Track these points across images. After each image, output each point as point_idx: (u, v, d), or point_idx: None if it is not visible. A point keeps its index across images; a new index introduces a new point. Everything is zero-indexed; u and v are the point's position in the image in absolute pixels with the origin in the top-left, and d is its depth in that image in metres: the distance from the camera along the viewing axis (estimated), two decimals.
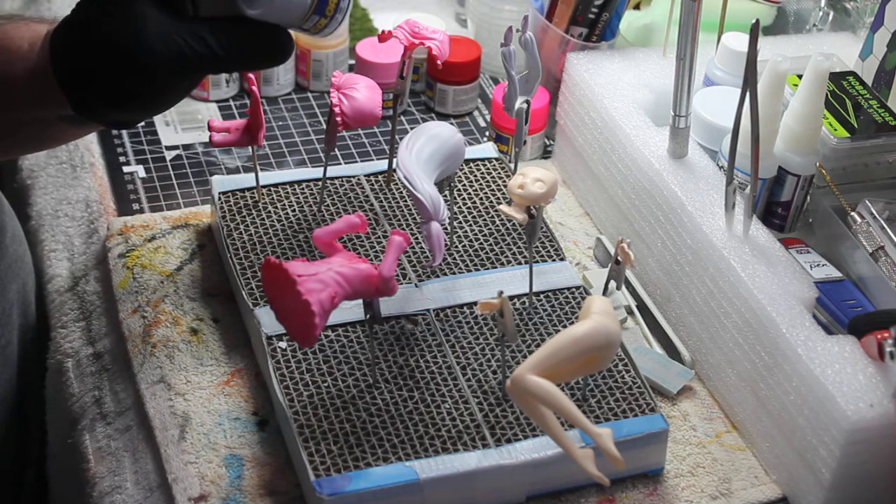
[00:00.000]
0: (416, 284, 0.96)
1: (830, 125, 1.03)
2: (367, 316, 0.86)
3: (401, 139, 0.92)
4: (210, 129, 0.99)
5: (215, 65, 0.84)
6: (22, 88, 0.85)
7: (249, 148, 1.05)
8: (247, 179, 1.04)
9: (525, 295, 0.95)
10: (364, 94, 0.95)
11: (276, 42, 0.85)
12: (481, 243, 1.00)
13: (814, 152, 1.01)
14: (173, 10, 0.81)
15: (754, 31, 0.85)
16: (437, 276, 0.97)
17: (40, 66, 0.83)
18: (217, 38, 0.82)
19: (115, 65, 0.81)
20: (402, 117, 1.24)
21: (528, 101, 1.00)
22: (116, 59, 0.81)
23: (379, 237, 1.00)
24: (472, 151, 1.09)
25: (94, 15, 0.81)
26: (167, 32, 0.81)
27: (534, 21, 1.18)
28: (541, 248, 1.00)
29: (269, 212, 1.02)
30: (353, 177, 1.06)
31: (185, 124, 1.20)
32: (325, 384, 0.87)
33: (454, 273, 0.97)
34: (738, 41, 1.08)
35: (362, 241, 0.99)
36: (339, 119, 0.94)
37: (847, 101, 1.06)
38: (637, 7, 1.28)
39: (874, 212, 0.99)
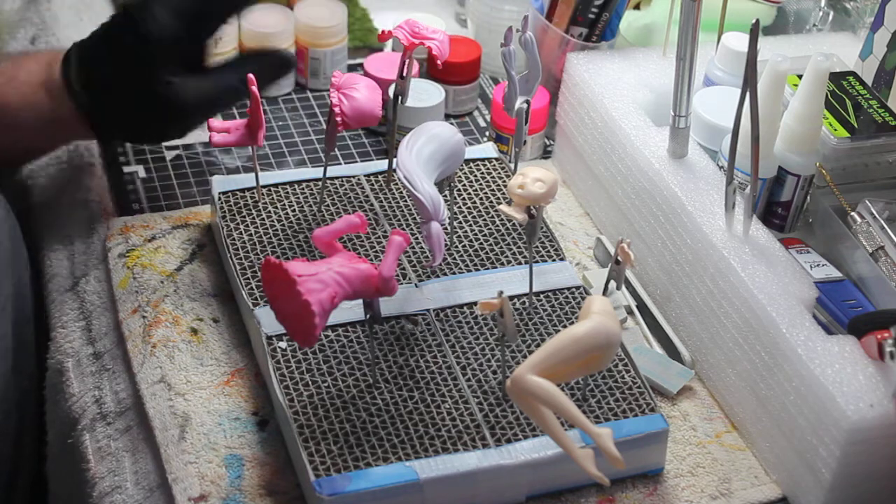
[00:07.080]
0: (416, 284, 0.96)
1: (830, 125, 1.03)
2: (367, 316, 0.86)
3: (401, 139, 0.92)
4: (210, 129, 0.99)
5: (239, 97, 1.00)
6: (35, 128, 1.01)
7: (249, 148, 1.05)
8: (247, 179, 1.04)
9: (525, 295, 0.95)
10: (364, 93, 0.95)
11: (280, 57, 1.04)
12: (481, 243, 1.00)
13: (814, 152, 1.01)
14: (195, 63, 0.98)
15: (754, 31, 0.85)
16: (437, 276, 0.97)
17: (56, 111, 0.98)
18: (239, 74, 0.97)
19: (155, 125, 0.99)
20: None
21: (528, 101, 1.00)
22: (156, 120, 0.98)
23: (379, 237, 1.00)
24: (472, 151, 1.09)
25: (125, 77, 0.96)
26: (199, 86, 0.97)
27: (534, 21, 1.18)
28: (541, 248, 1.00)
29: (269, 212, 1.02)
30: (353, 177, 1.06)
31: None
32: (325, 384, 0.87)
33: (454, 273, 0.97)
34: (738, 41, 1.08)
35: (362, 241, 0.99)
36: (338, 119, 0.94)
37: (847, 101, 1.06)
38: (637, 7, 1.28)
39: (874, 212, 0.99)
